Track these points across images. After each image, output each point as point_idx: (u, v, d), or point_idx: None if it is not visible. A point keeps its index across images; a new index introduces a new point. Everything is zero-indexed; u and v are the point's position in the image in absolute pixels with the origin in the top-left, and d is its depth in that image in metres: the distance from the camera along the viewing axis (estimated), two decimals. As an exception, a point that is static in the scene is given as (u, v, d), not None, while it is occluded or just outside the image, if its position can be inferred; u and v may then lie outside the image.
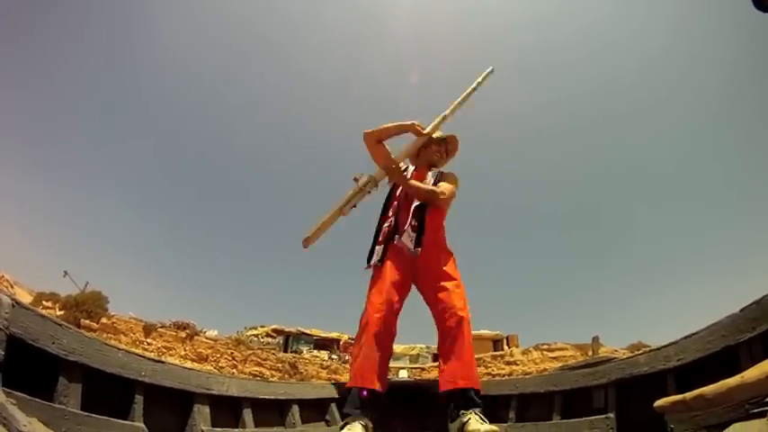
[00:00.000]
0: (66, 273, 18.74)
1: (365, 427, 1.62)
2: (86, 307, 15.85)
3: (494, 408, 1.97)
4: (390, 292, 1.88)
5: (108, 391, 1.41)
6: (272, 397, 1.98)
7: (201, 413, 1.64)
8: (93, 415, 1.26)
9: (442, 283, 1.92)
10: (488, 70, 2.44)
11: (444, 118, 2.20)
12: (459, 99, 2.28)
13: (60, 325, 1.30)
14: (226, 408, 1.79)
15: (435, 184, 2.18)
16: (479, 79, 2.38)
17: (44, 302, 16.02)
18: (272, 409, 1.98)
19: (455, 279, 1.95)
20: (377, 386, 1.71)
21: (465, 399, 1.68)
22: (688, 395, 1.12)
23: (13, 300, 1.18)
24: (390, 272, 1.94)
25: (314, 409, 2.10)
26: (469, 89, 2.33)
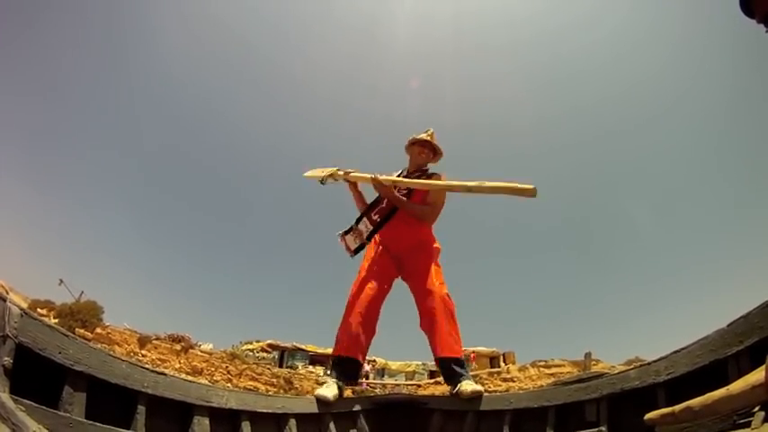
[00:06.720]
0: (61, 281, 18.59)
1: (339, 386, 2.08)
2: (81, 316, 15.67)
3: (488, 424, 1.98)
4: (374, 279, 2.25)
5: (111, 401, 1.42)
6: (269, 410, 1.98)
7: (201, 425, 1.65)
8: (97, 423, 1.28)
9: (423, 272, 2.26)
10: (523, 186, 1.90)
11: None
12: (456, 185, 2.19)
13: (67, 335, 1.33)
14: (224, 420, 1.80)
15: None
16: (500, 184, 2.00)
17: (39, 310, 15.77)
18: (270, 423, 1.98)
19: (432, 268, 2.27)
20: (356, 356, 2.17)
21: (453, 367, 2.07)
22: (677, 408, 1.15)
23: (22, 310, 1.21)
24: (376, 261, 2.32)
25: (311, 423, 2.10)
26: (477, 185, 2.05)
